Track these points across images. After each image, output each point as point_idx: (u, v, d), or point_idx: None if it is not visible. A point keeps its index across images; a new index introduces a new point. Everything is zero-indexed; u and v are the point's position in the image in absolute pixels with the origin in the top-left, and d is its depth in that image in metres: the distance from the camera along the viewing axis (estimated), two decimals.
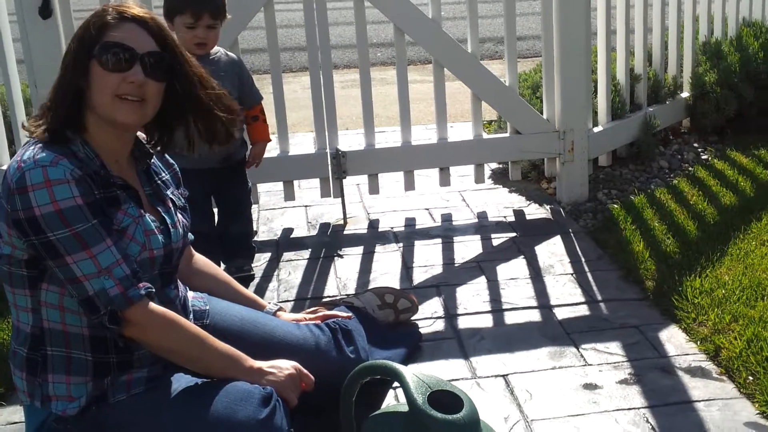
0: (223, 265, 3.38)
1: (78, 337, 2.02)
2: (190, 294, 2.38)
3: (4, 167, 3.46)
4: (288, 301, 3.28)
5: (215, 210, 3.51)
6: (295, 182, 4.16)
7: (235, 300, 2.52)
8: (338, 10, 8.13)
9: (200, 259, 2.54)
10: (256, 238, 3.81)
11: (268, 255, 3.73)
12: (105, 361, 2.03)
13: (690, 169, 4.51)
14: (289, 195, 4.12)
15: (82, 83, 1.98)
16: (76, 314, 2.00)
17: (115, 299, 1.91)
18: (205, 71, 2.16)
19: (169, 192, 2.23)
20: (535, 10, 9.14)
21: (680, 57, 4.95)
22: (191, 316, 2.29)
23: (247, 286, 3.30)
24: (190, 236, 2.34)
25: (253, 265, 3.54)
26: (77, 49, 1.99)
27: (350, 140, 4.55)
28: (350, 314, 2.67)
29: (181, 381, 2.12)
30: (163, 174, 2.24)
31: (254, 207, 3.67)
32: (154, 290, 1.99)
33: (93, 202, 1.91)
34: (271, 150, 4.53)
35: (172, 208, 2.21)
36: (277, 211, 4.24)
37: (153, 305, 1.98)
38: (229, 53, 3.38)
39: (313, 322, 2.55)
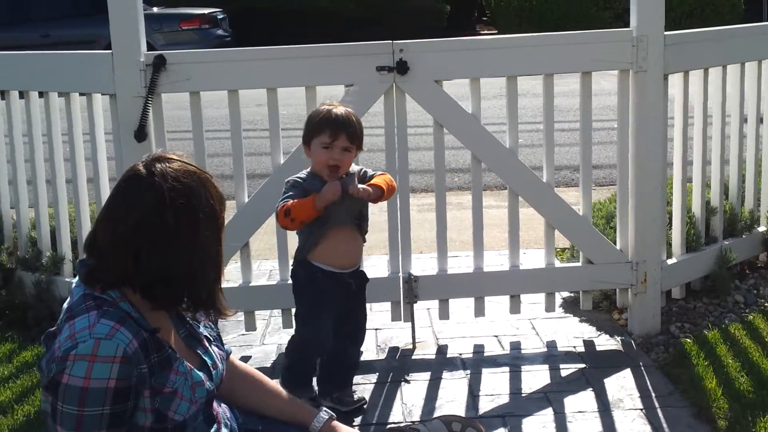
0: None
1: None
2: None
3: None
4: (353, 425, 3.30)
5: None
6: (367, 305, 4.19)
7: (284, 408, 2.50)
8: (418, 136, 8.29)
9: (241, 366, 2.52)
10: None
11: None
12: None
13: (766, 304, 4.42)
14: None
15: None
16: None
17: None
18: None
19: (201, 328, 2.26)
20: (612, 139, 9.17)
21: (758, 191, 4.92)
22: None
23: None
24: (228, 349, 2.37)
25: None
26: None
27: (423, 264, 4.61)
28: None
29: None
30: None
31: None
32: None
33: (125, 388, 1.93)
34: None
35: (208, 345, 2.25)
36: None
37: None
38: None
39: None
